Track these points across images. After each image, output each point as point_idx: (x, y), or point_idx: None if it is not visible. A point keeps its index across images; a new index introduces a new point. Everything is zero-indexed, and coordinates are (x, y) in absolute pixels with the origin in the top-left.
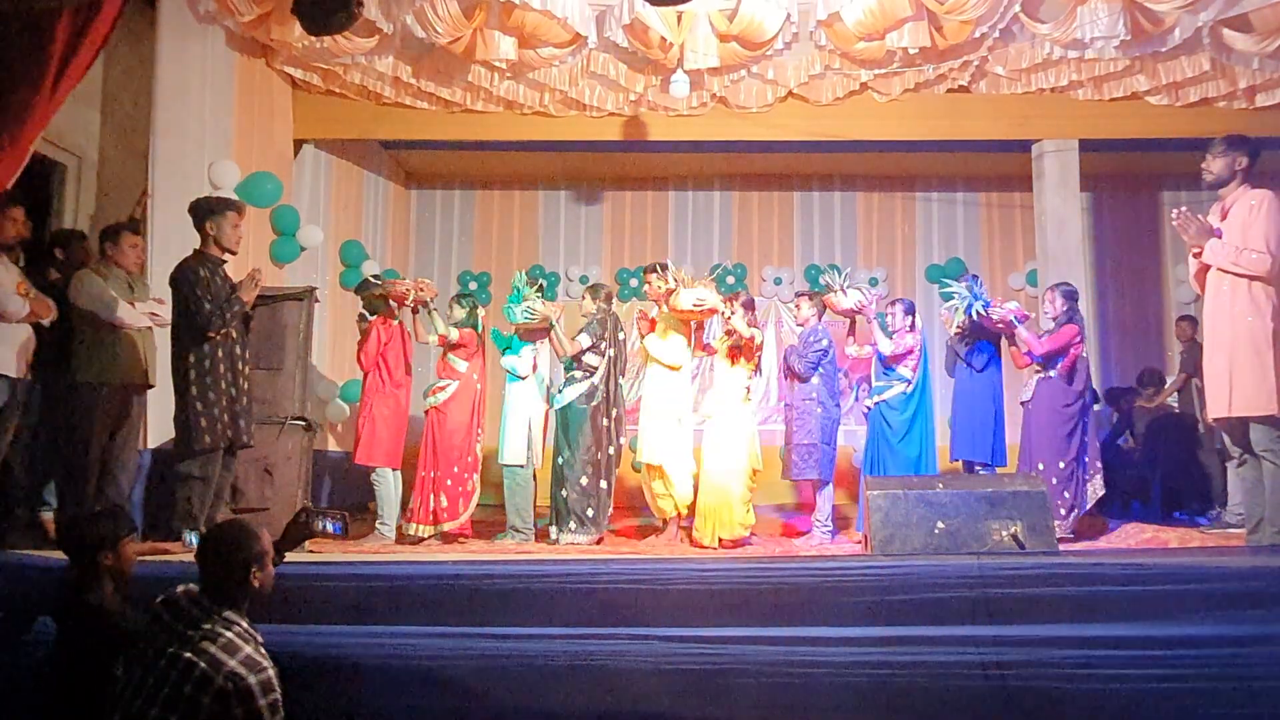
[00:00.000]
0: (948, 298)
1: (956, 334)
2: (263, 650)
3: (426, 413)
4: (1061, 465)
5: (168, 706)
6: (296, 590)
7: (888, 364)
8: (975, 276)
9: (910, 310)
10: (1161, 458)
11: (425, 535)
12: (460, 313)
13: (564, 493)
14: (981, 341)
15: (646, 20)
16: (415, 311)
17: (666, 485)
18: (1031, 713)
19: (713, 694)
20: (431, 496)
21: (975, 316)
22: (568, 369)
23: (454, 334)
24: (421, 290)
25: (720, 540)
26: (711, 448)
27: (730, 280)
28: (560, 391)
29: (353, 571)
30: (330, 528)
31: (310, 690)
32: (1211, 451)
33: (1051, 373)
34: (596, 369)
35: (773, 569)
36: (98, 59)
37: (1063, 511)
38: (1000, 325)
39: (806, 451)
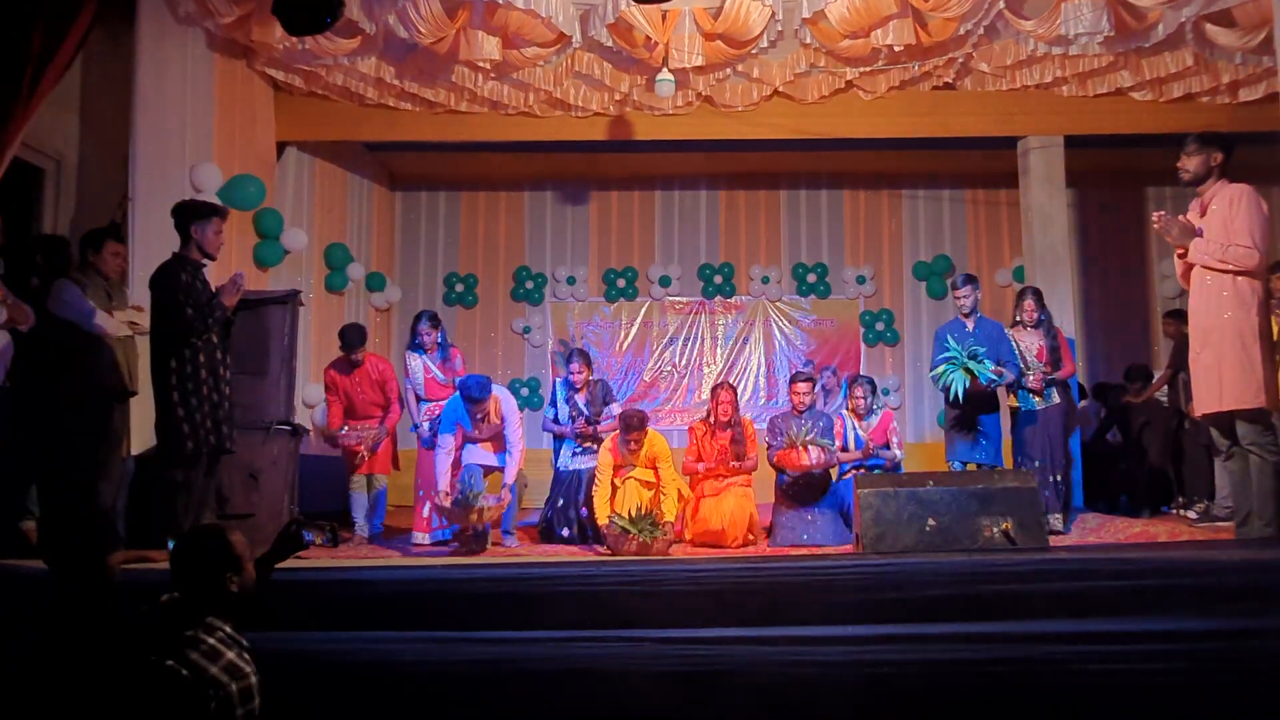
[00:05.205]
0: (942, 375)
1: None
2: (246, 656)
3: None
4: (1069, 462)
5: (150, 715)
6: (286, 596)
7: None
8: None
9: (874, 388)
10: (1149, 452)
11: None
12: (436, 334)
13: None
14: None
15: (631, 19)
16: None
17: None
18: (1024, 709)
19: (705, 694)
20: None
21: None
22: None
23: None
24: (367, 443)
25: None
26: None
27: (718, 280)
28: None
29: (342, 577)
30: (320, 540)
31: (300, 696)
32: (1199, 446)
33: (1058, 375)
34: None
35: (764, 569)
36: (75, 61)
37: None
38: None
39: None
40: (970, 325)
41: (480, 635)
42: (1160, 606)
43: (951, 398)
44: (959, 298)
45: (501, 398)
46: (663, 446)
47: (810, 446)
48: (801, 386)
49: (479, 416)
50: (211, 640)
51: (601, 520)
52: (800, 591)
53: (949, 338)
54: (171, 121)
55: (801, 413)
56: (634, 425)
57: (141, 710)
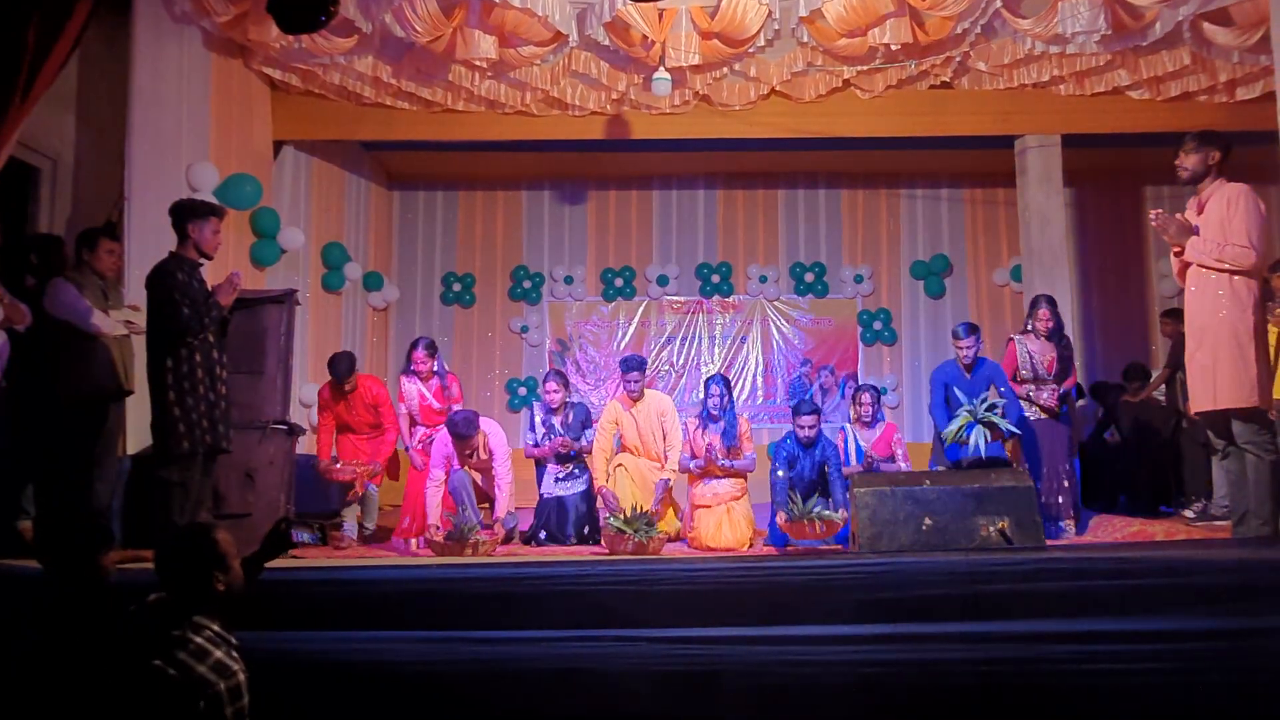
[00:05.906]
0: (957, 432)
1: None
2: (235, 654)
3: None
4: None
5: (139, 715)
6: (281, 596)
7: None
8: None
9: (878, 397)
10: (1147, 452)
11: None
12: (432, 362)
13: None
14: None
15: (628, 18)
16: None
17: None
18: (1021, 708)
19: (702, 694)
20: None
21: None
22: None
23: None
24: (361, 475)
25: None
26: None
27: (716, 279)
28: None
29: (337, 576)
30: (308, 538)
31: (295, 697)
32: (1197, 445)
33: (1062, 386)
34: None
35: (760, 568)
36: (71, 61)
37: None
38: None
39: None
40: (968, 375)
41: (475, 635)
42: (1157, 606)
43: (972, 449)
44: (960, 348)
45: (490, 433)
46: (669, 403)
47: (818, 521)
48: (806, 420)
49: (467, 453)
50: (199, 639)
51: (600, 481)
52: (797, 591)
53: (956, 390)
54: (168, 120)
55: (809, 448)
56: (634, 365)
57: (131, 710)
